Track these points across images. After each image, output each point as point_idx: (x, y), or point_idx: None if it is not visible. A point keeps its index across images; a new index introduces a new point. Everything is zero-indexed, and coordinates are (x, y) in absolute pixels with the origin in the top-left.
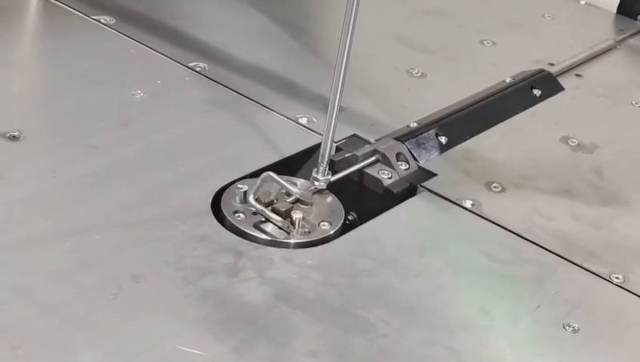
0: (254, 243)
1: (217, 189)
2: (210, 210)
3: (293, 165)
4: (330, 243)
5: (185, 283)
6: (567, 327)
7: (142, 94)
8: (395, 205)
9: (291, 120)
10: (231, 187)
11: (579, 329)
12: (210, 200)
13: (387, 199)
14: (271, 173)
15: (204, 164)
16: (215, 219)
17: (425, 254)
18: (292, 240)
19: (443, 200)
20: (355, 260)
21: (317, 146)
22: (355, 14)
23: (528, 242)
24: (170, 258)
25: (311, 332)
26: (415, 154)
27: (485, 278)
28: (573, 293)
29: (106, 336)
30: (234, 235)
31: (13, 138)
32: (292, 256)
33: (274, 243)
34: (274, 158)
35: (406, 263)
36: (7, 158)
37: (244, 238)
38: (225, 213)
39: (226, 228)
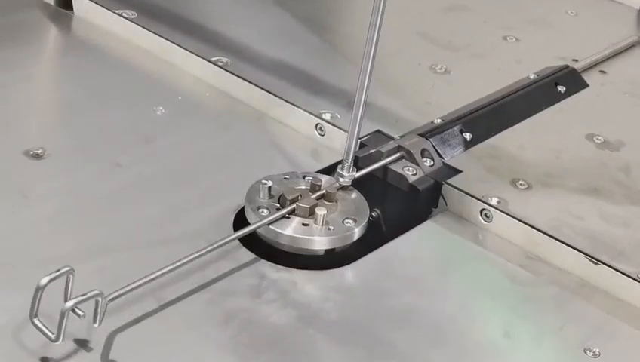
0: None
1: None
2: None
3: None
4: (352, 264)
5: (209, 304)
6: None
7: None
8: (419, 202)
9: (315, 115)
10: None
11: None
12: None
13: (412, 196)
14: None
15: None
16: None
17: (447, 274)
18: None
19: (462, 220)
20: (377, 281)
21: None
22: (383, 9)
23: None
24: (194, 278)
25: (335, 354)
26: (440, 151)
27: (508, 301)
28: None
29: (130, 359)
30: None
31: (37, 156)
32: (314, 277)
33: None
34: None
35: (429, 284)
36: (30, 176)
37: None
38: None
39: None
